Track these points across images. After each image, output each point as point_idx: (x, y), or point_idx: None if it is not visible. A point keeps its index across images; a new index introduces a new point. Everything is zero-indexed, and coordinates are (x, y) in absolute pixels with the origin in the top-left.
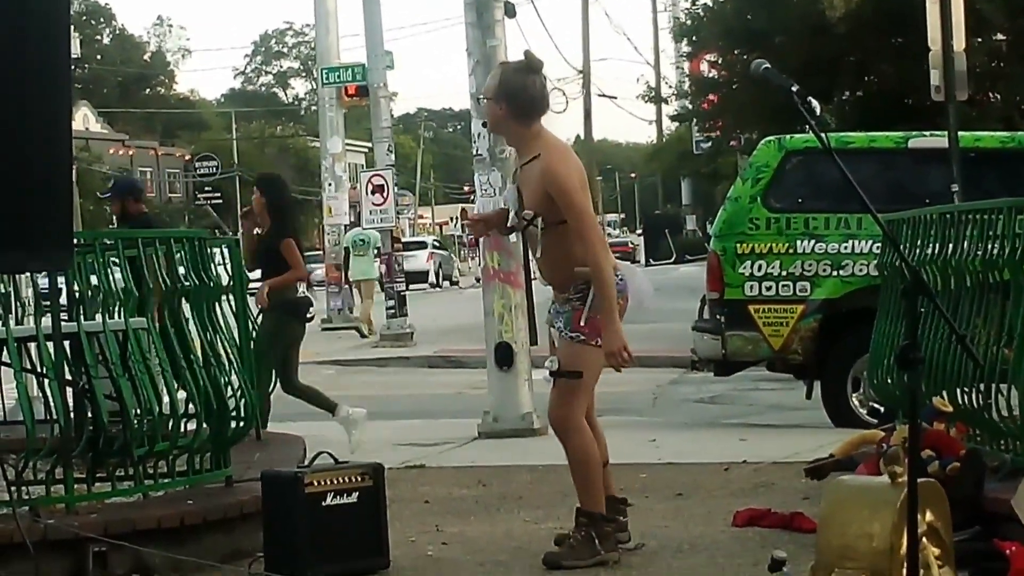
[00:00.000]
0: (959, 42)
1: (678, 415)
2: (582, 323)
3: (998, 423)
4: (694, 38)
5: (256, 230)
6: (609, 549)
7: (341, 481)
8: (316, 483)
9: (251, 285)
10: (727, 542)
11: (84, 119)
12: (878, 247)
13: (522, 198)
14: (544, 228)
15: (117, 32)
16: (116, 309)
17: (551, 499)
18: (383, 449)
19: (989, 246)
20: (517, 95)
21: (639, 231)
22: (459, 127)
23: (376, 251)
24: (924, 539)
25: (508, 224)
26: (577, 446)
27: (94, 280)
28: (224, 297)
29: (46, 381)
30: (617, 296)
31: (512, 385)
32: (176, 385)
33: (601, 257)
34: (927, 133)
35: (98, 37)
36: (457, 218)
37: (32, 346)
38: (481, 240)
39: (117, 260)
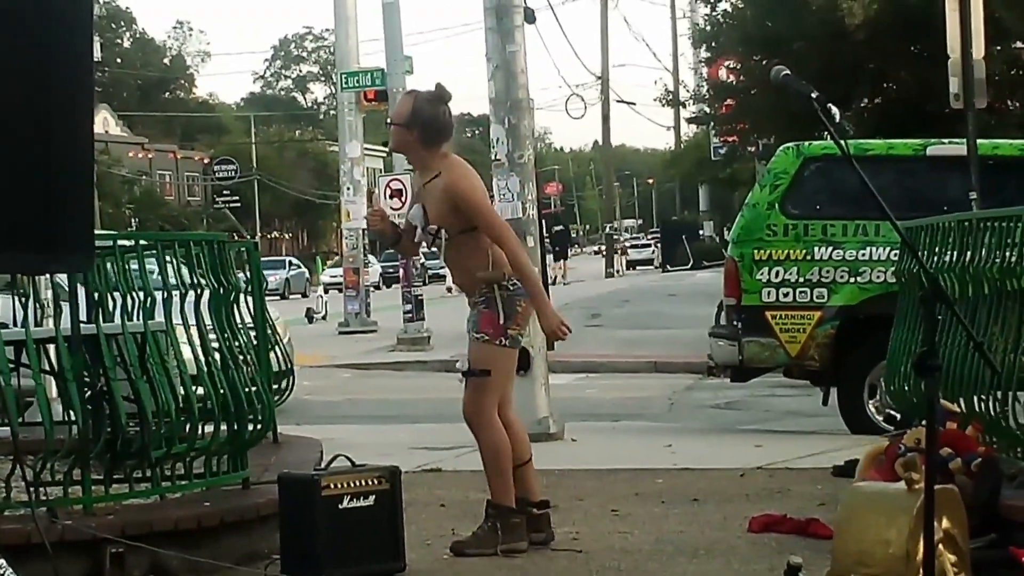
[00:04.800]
0: (978, 50)
1: (694, 421)
2: (488, 326)
3: (1015, 431)
4: (713, 44)
5: None
6: (515, 540)
7: (358, 484)
8: (333, 486)
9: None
10: (743, 547)
11: (104, 122)
12: (895, 254)
13: (427, 214)
14: (448, 239)
15: (137, 36)
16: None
17: (566, 503)
18: (400, 452)
19: (1007, 254)
20: (430, 123)
21: (649, 238)
22: (477, 132)
23: None
24: (940, 546)
25: (415, 239)
26: (488, 440)
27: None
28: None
29: (64, 382)
30: (520, 299)
31: (529, 389)
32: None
33: (520, 255)
34: (946, 140)
35: (119, 41)
36: None
37: (51, 347)
38: None
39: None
